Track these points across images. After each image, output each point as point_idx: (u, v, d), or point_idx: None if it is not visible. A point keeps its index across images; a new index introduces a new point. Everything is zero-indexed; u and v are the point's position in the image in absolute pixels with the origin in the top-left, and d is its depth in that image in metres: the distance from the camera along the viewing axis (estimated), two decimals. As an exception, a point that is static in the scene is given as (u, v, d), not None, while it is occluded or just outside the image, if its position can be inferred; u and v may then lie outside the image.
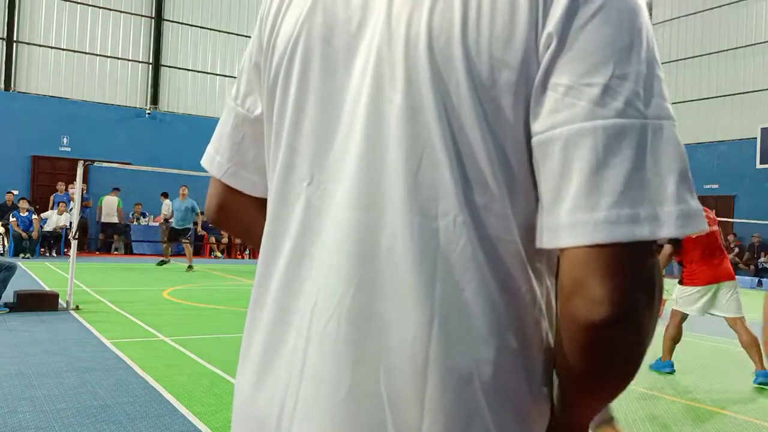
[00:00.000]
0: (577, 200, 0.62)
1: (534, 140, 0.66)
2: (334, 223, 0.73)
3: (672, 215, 0.61)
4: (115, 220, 17.51)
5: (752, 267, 18.25)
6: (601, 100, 0.62)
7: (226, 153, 0.91)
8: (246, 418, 0.81)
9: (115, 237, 17.69)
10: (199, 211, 14.27)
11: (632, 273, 0.62)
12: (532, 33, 0.65)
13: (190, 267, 13.49)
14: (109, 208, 17.40)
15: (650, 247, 0.63)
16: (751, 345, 5.29)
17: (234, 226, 1.00)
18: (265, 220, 0.84)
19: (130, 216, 18.04)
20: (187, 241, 14.48)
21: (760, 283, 16.35)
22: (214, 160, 0.93)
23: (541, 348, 0.71)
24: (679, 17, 21.60)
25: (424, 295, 0.68)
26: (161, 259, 14.50)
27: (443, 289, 0.67)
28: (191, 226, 14.59)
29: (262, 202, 0.89)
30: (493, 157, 0.67)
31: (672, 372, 5.78)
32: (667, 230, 0.61)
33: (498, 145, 0.67)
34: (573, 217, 0.62)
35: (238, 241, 18.57)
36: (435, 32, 0.68)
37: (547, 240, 0.65)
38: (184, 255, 14.27)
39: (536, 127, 0.65)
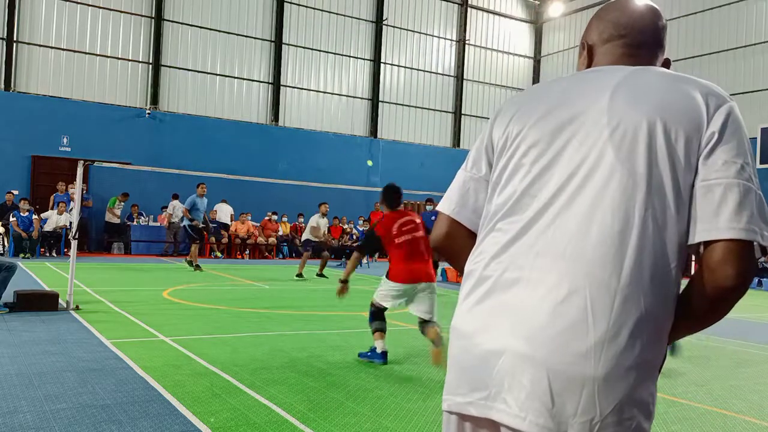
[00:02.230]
0: (730, 216, 1.22)
1: (703, 183, 1.26)
2: (572, 217, 1.29)
3: None
4: (111, 219, 17.56)
5: (752, 267, 18.24)
6: (740, 171, 1.25)
7: (456, 199, 1.49)
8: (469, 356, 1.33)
9: (105, 236, 17.75)
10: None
11: (747, 261, 1.22)
12: (701, 130, 1.28)
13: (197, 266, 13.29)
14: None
15: (758, 248, 1.24)
16: None
17: (451, 248, 1.51)
18: (470, 250, 1.42)
19: (128, 216, 18.04)
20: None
21: (760, 283, 16.35)
22: (445, 203, 1.50)
23: (672, 299, 1.29)
24: (679, 17, 21.58)
25: (621, 253, 1.24)
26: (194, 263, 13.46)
27: (632, 255, 1.24)
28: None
29: (472, 236, 1.44)
30: (672, 188, 1.27)
31: None
32: (765, 242, 1.21)
33: (677, 181, 1.27)
34: (727, 224, 1.22)
35: (237, 241, 18.58)
36: (649, 122, 1.29)
37: (707, 236, 1.24)
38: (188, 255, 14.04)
39: (704, 176, 1.26)
